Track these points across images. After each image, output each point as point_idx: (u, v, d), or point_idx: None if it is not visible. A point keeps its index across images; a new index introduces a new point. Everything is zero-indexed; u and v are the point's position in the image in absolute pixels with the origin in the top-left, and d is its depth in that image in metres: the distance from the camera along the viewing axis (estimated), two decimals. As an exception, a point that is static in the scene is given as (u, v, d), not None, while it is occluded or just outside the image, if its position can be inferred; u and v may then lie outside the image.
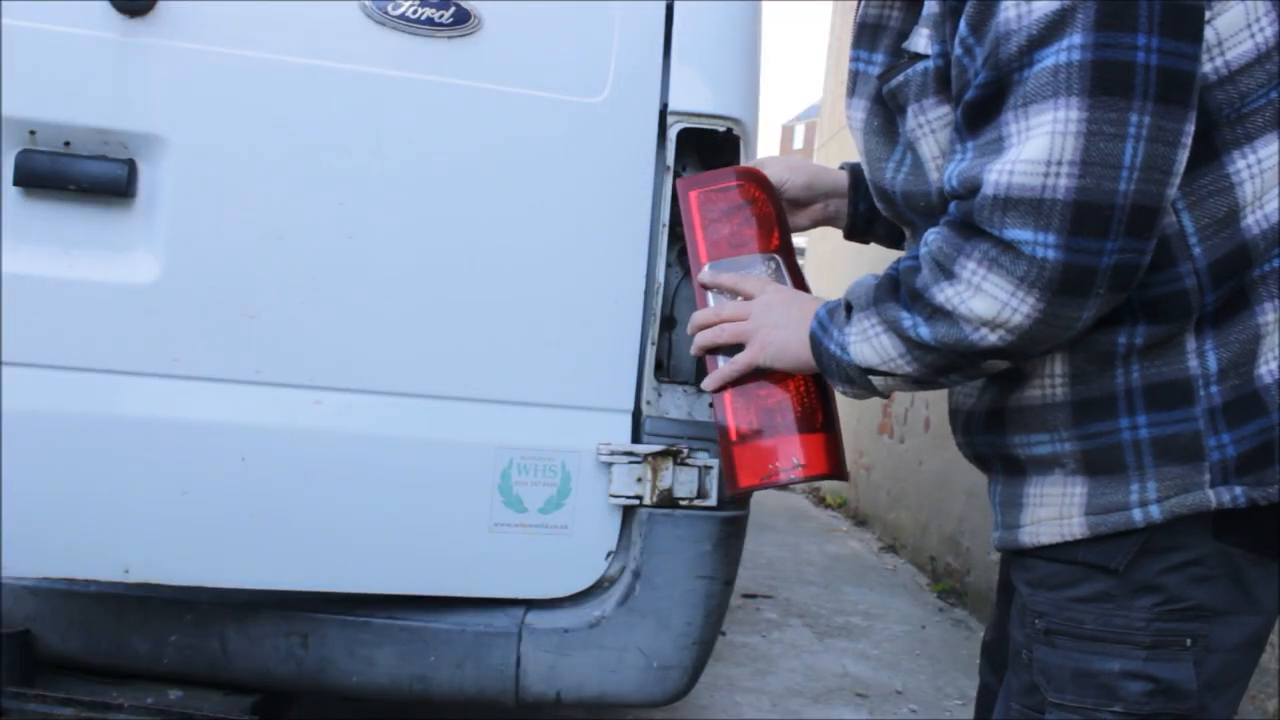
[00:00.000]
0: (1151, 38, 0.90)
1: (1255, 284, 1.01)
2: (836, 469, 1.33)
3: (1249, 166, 1.00)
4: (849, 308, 1.12)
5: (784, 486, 1.51)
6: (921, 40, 1.08)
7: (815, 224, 1.52)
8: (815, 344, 1.16)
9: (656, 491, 1.59)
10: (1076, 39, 0.91)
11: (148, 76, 1.51)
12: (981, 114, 0.99)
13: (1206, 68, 0.96)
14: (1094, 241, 0.93)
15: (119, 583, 1.58)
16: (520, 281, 1.59)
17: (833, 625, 3.99)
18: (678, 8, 1.60)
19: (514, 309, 1.59)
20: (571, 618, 1.63)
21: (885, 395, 1.15)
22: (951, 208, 1.02)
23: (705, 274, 1.37)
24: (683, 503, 1.61)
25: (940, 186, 1.08)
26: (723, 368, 1.30)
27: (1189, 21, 0.92)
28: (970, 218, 0.98)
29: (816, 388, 1.30)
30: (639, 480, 1.59)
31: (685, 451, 1.60)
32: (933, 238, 1.03)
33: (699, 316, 1.33)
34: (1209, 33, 0.95)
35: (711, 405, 1.38)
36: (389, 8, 1.54)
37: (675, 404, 1.62)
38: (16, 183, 1.50)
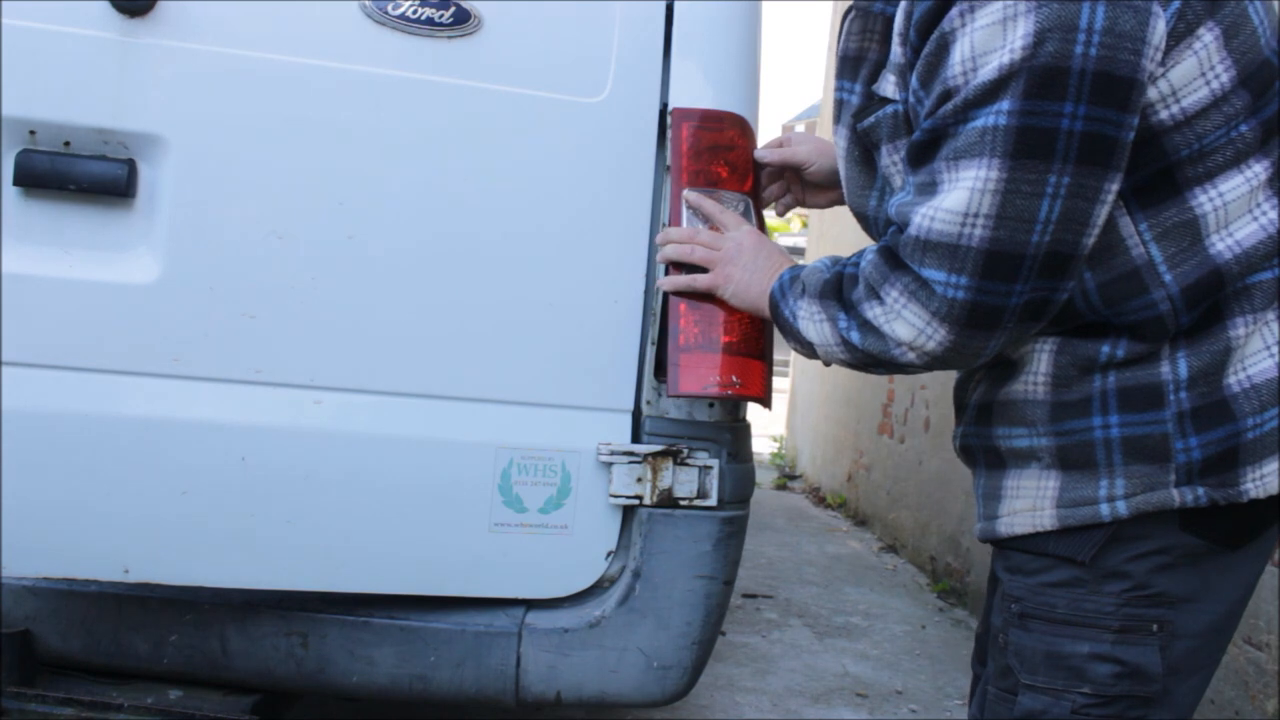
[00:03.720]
0: (1079, 106, 0.97)
1: (1229, 300, 1.07)
2: (766, 396, 1.52)
3: (1210, 200, 1.05)
4: (804, 286, 1.22)
5: (717, 400, 1.63)
6: (889, 85, 1.16)
7: (832, 204, 1.62)
8: (773, 303, 1.27)
9: (656, 491, 1.59)
10: (1006, 104, 0.98)
11: (148, 76, 1.51)
12: (920, 157, 1.07)
13: (1163, 114, 1.02)
14: (1002, 285, 1.02)
15: (119, 583, 1.58)
16: (520, 281, 1.59)
17: (833, 625, 3.99)
18: (678, 7, 1.60)
19: (514, 309, 1.59)
20: (571, 618, 1.63)
21: (827, 364, 1.25)
22: (888, 233, 1.11)
23: (690, 193, 1.52)
24: (683, 503, 1.61)
25: None
26: (684, 278, 1.43)
27: (1118, 91, 0.97)
28: (897, 250, 1.08)
29: (760, 319, 1.42)
30: (639, 480, 1.59)
31: (685, 451, 1.60)
32: (869, 258, 1.13)
33: (674, 232, 1.47)
34: (1163, 84, 1.01)
35: (665, 311, 1.53)
36: (389, 8, 1.54)
37: (675, 404, 1.62)
38: (16, 183, 1.50)
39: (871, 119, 1.18)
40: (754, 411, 1.75)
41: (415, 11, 1.55)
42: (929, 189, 1.05)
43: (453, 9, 1.56)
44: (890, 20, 1.16)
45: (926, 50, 1.05)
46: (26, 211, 1.52)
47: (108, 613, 1.63)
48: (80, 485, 1.52)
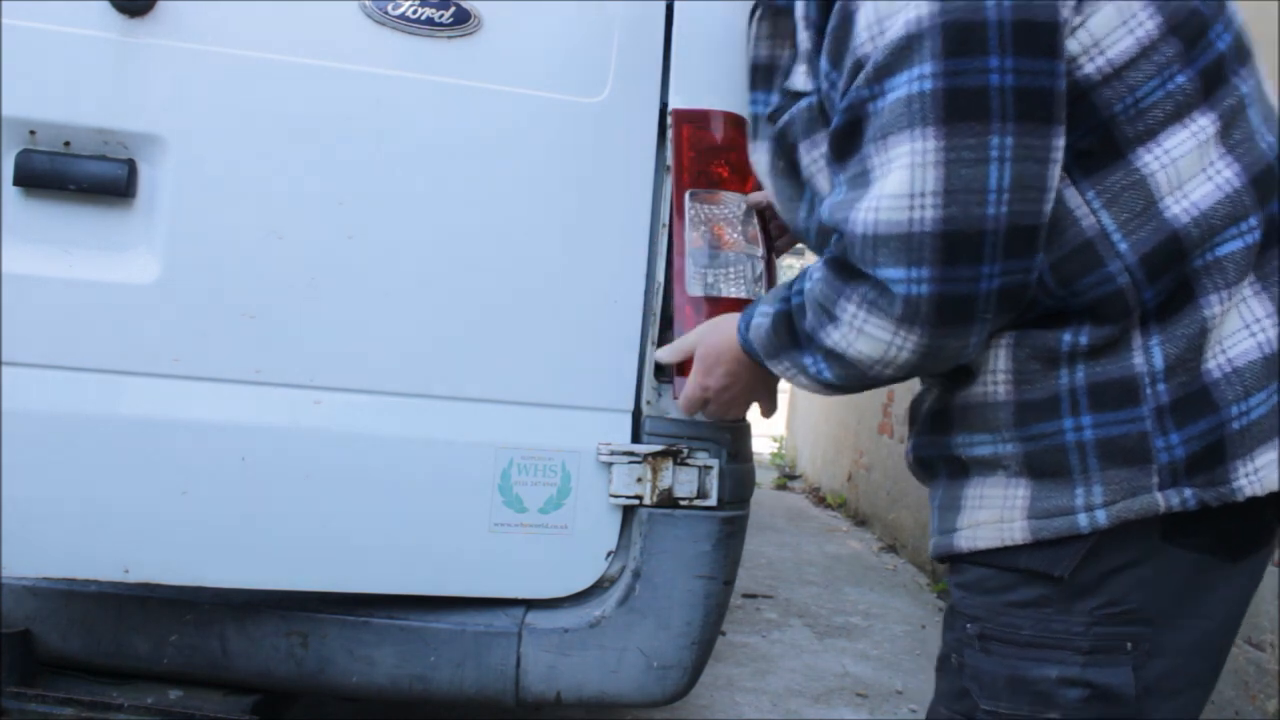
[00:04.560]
0: (1005, 59, 0.89)
1: (1199, 275, 0.98)
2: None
3: (1157, 159, 0.97)
4: (757, 350, 1.13)
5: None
6: (800, 77, 1.08)
7: None
8: (756, 358, 1.16)
9: (656, 491, 1.59)
10: (926, 67, 0.90)
11: (148, 76, 1.51)
12: (846, 145, 0.99)
13: (1089, 68, 0.95)
14: (969, 269, 0.92)
15: (119, 583, 1.58)
16: (520, 281, 1.59)
17: (833, 625, 3.99)
18: (678, 8, 1.60)
19: (514, 309, 1.59)
20: (571, 618, 1.62)
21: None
22: (831, 243, 1.02)
23: (687, 201, 1.54)
24: (683, 503, 1.61)
25: None
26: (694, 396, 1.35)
27: (1042, 37, 0.90)
28: (846, 256, 0.98)
29: None
30: (639, 480, 1.59)
31: (685, 451, 1.60)
32: (815, 277, 1.03)
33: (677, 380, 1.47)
34: (1084, 35, 0.94)
35: (668, 314, 1.57)
36: (389, 8, 1.54)
37: (675, 404, 1.62)
38: (16, 183, 1.50)
39: (786, 116, 1.11)
40: (754, 412, 1.75)
41: (415, 11, 1.55)
42: (861, 180, 0.96)
43: (453, 9, 1.56)
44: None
45: (831, 25, 0.98)
46: (26, 211, 1.52)
47: (108, 613, 1.63)
48: (80, 485, 1.52)
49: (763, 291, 1.58)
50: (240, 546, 1.55)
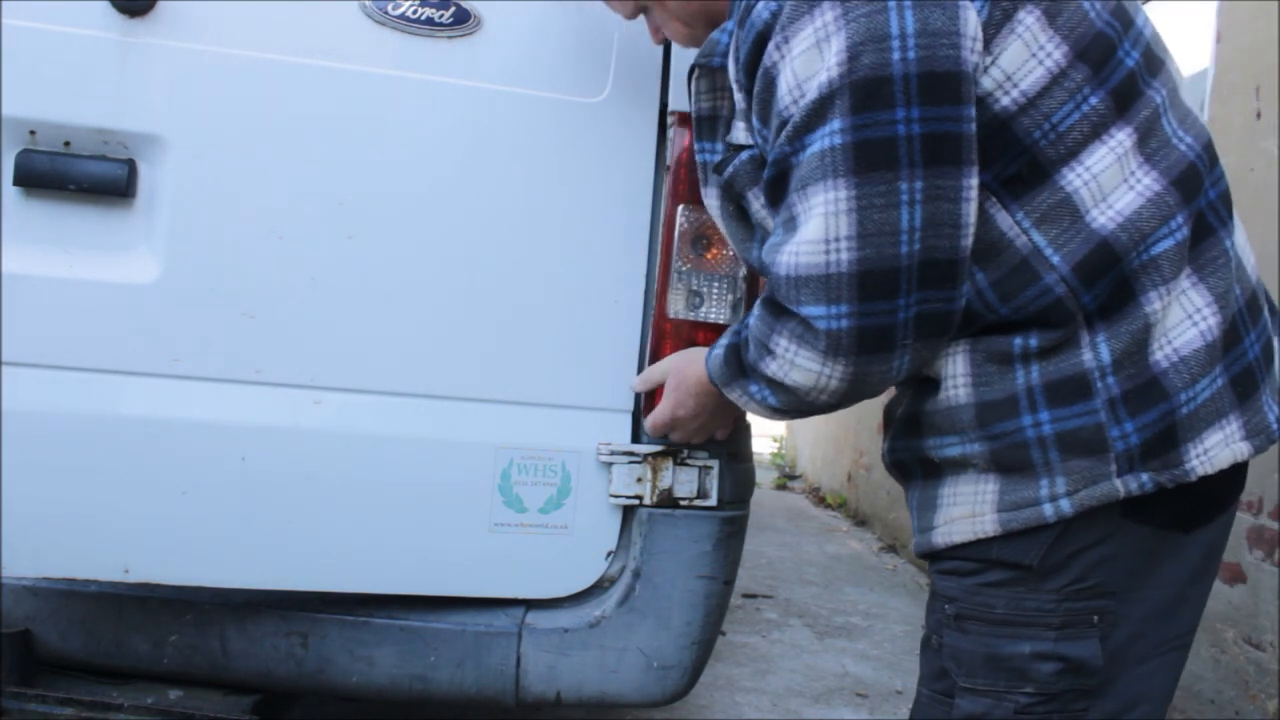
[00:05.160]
0: (910, 109, 0.96)
1: (1136, 275, 1.04)
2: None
3: (1079, 176, 1.03)
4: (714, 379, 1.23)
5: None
6: (740, 132, 1.18)
7: None
8: (721, 388, 1.24)
9: (656, 491, 1.59)
10: (837, 123, 0.98)
11: (148, 76, 1.51)
12: (775, 194, 1.07)
13: (1005, 100, 1.01)
14: (885, 302, 1.00)
15: (119, 583, 1.58)
16: (520, 281, 1.59)
17: (833, 625, 3.99)
18: (678, 8, 1.60)
19: (514, 309, 1.59)
20: (571, 618, 1.62)
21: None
22: (767, 284, 1.10)
23: (679, 213, 1.58)
24: (683, 503, 1.61)
25: None
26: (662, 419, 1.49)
27: (947, 86, 0.97)
28: (775, 296, 1.07)
29: None
30: (639, 480, 1.59)
31: (685, 451, 1.60)
32: (754, 314, 1.12)
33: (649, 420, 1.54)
34: (996, 72, 1.00)
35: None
36: (389, 8, 1.54)
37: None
38: (16, 183, 1.50)
39: (730, 168, 1.19)
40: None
41: (415, 11, 1.55)
42: (790, 225, 1.04)
43: (453, 9, 1.56)
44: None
45: (757, 89, 1.05)
46: (26, 211, 1.52)
47: (108, 613, 1.63)
48: (80, 485, 1.52)
49: (741, 314, 1.62)
50: (240, 546, 1.55)
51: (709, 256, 1.60)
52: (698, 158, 1.29)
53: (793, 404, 1.12)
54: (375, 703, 1.77)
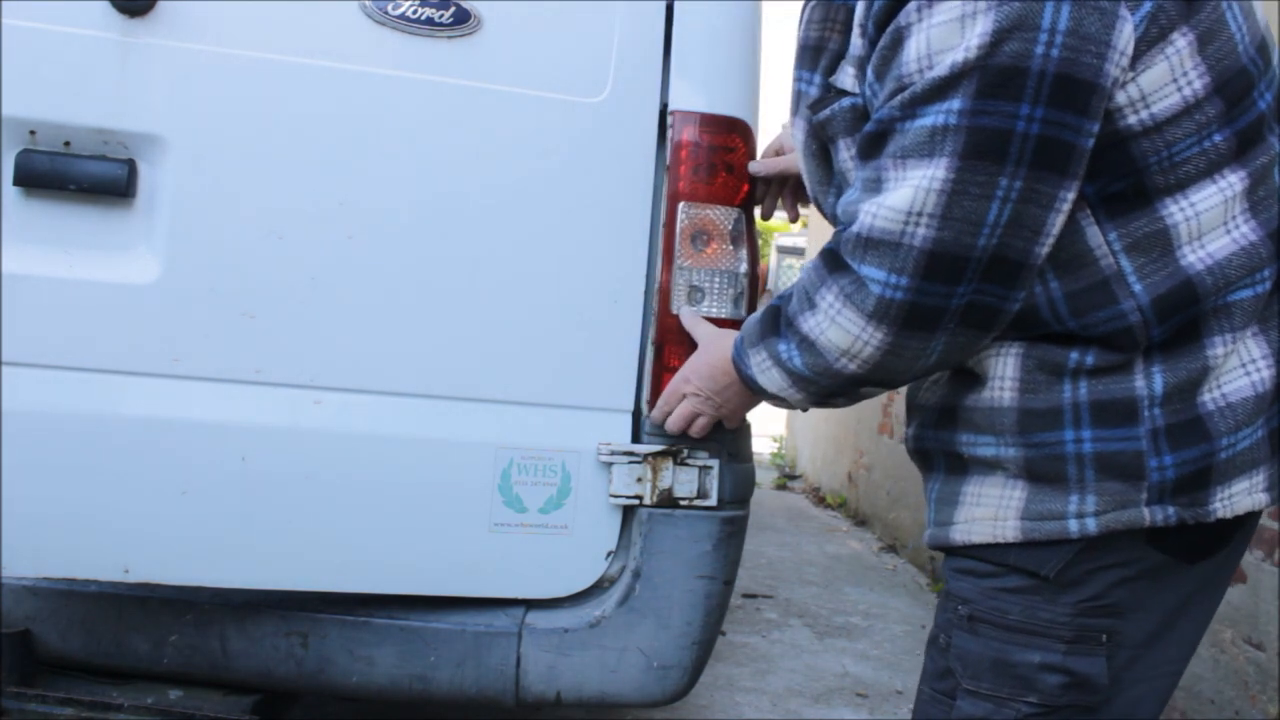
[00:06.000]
0: (1036, 108, 0.94)
1: (1207, 317, 1.03)
2: None
3: (1181, 210, 1.02)
4: (744, 338, 1.22)
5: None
6: (848, 78, 1.13)
7: None
8: (738, 371, 1.25)
9: (656, 491, 1.59)
10: (957, 103, 0.95)
11: (148, 76, 1.51)
12: (868, 150, 1.04)
13: (1132, 119, 0.99)
14: (943, 286, 1.00)
15: (119, 583, 1.58)
16: (520, 281, 1.59)
17: (833, 625, 3.99)
18: (678, 8, 1.60)
19: (514, 309, 1.59)
20: (571, 618, 1.62)
21: (804, 409, 1.24)
22: (833, 236, 1.09)
23: (680, 210, 1.58)
24: (683, 503, 1.61)
25: None
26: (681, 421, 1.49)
27: (1079, 95, 0.94)
28: (838, 249, 1.06)
29: None
30: (639, 480, 1.59)
31: (685, 451, 1.60)
32: (809, 265, 1.11)
33: (657, 414, 1.53)
34: (1133, 89, 0.98)
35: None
36: (389, 8, 1.54)
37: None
38: (16, 183, 1.50)
39: (827, 111, 1.15)
40: (754, 412, 1.75)
41: (415, 11, 1.55)
42: (874, 185, 1.02)
43: (453, 9, 1.56)
44: (852, 10, 1.12)
45: (882, 43, 1.02)
46: (26, 211, 1.52)
47: (108, 613, 1.63)
48: (80, 485, 1.52)
49: (743, 312, 1.62)
50: (240, 546, 1.55)
51: (709, 252, 1.60)
52: (794, 85, 1.23)
53: (815, 369, 1.10)
54: (375, 703, 1.77)
